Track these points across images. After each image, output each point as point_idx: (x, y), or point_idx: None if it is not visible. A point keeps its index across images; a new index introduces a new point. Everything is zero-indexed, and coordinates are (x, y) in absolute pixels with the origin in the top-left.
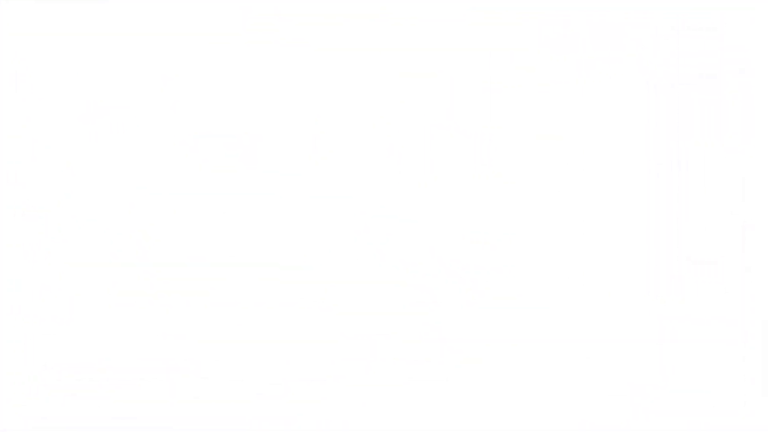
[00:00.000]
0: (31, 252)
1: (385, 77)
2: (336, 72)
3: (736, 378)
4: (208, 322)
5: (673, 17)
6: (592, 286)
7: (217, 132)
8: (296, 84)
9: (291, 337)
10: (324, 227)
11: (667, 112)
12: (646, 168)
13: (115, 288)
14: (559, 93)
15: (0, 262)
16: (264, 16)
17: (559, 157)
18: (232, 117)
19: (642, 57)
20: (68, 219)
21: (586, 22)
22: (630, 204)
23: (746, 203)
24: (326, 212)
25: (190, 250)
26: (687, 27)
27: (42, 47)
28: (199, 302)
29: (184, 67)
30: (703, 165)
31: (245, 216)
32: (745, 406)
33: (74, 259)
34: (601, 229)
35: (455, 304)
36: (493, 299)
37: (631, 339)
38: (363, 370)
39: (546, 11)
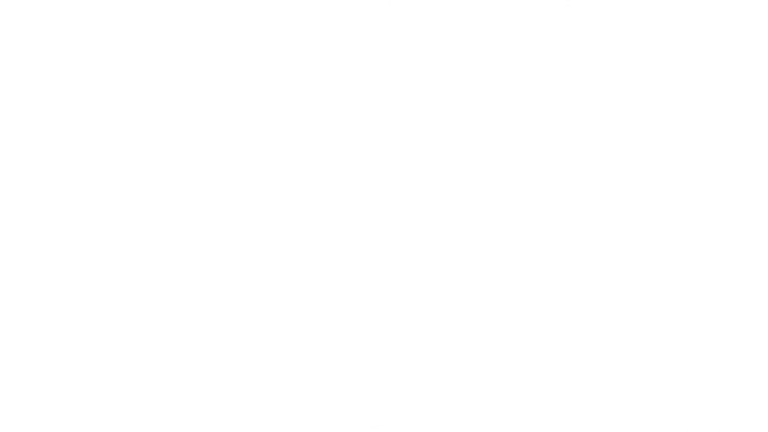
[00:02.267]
0: (31, 252)
1: (384, 77)
2: (336, 70)
3: (735, 378)
4: (207, 322)
5: None
6: (592, 286)
7: (216, 132)
8: (295, 82)
9: (291, 337)
10: (324, 227)
11: (667, 112)
12: (646, 168)
13: (114, 288)
14: (559, 93)
15: (0, 262)
16: (264, 16)
17: (559, 157)
18: (231, 117)
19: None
20: (67, 219)
21: (586, 22)
22: (629, 204)
23: (746, 203)
24: (327, 212)
25: (189, 250)
26: None
27: (42, 47)
28: (198, 302)
29: (184, 67)
30: (702, 165)
31: (245, 216)
32: (745, 405)
33: (74, 259)
34: (601, 230)
35: (455, 303)
36: (492, 299)
37: (630, 339)
38: (363, 370)
39: (546, 11)
